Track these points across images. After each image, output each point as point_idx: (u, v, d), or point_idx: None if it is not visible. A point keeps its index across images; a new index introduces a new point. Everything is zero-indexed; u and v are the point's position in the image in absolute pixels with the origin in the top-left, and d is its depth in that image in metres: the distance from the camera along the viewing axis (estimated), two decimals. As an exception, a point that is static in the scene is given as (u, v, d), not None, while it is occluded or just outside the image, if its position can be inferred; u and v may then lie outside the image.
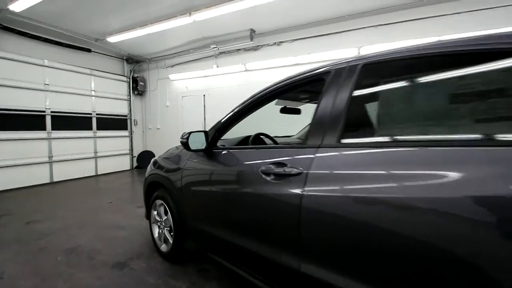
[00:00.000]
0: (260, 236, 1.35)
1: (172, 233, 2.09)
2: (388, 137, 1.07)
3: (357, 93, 1.12)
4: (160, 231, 2.27)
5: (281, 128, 3.10)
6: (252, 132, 2.08)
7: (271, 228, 1.28)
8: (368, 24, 4.57)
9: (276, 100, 1.86)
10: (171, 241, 2.12)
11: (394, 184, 0.88)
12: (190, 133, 1.71)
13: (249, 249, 1.41)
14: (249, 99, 1.63)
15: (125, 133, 7.29)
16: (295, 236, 1.14)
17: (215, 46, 5.86)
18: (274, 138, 2.19)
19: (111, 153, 6.83)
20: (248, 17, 4.70)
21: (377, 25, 4.51)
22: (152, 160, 2.49)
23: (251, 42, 5.46)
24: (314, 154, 1.13)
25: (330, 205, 1.02)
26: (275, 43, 5.48)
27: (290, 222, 1.15)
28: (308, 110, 2.62)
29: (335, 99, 1.14)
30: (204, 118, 6.61)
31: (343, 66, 1.20)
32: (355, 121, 1.15)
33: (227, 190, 1.55)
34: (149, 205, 2.40)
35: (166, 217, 2.17)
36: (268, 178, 1.27)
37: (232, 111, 1.71)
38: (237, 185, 1.49)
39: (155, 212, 2.31)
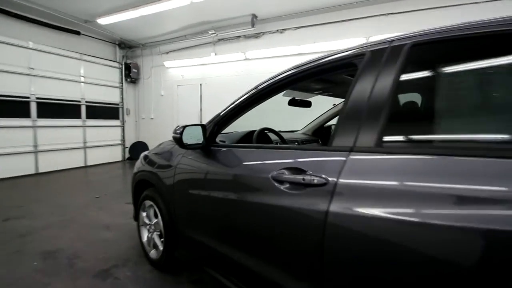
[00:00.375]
0: (269, 257, 1.12)
1: (162, 239, 1.85)
2: (455, 140, 0.83)
3: (404, 81, 0.86)
4: (150, 235, 2.02)
5: (279, 122, 2.85)
6: (249, 126, 1.80)
7: (285, 249, 1.04)
8: (378, 12, 4.28)
9: (284, 91, 1.61)
10: (161, 248, 1.87)
11: (467, 211, 0.64)
12: (184, 126, 1.43)
13: (253, 269, 1.17)
14: (254, 88, 1.36)
15: (116, 122, 6.96)
16: (316, 263, 0.90)
17: (213, 32, 5.51)
18: (282, 135, 1.93)
19: (102, 143, 6.51)
20: (250, 0, 4.37)
21: (388, 14, 4.23)
22: (142, 154, 2.21)
23: (252, 29, 5.13)
24: (344, 159, 0.88)
25: (368, 228, 0.77)
26: (277, 30, 5.15)
27: (310, 245, 0.91)
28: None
29: (373, 90, 0.88)
30: (201, 109, 6.32)
31: (383, 46, 0.93)
32: (402, 118, 0.90)
33: (229, 197, 1.29)
34: (137, 206, 2.14)
35: (156, 220, 1.92)
36: (281, 187, 1.02)
37: (234, 102, 1.44)
38: (242, 192, 1.23)
39: (144, 214, 2.05)
